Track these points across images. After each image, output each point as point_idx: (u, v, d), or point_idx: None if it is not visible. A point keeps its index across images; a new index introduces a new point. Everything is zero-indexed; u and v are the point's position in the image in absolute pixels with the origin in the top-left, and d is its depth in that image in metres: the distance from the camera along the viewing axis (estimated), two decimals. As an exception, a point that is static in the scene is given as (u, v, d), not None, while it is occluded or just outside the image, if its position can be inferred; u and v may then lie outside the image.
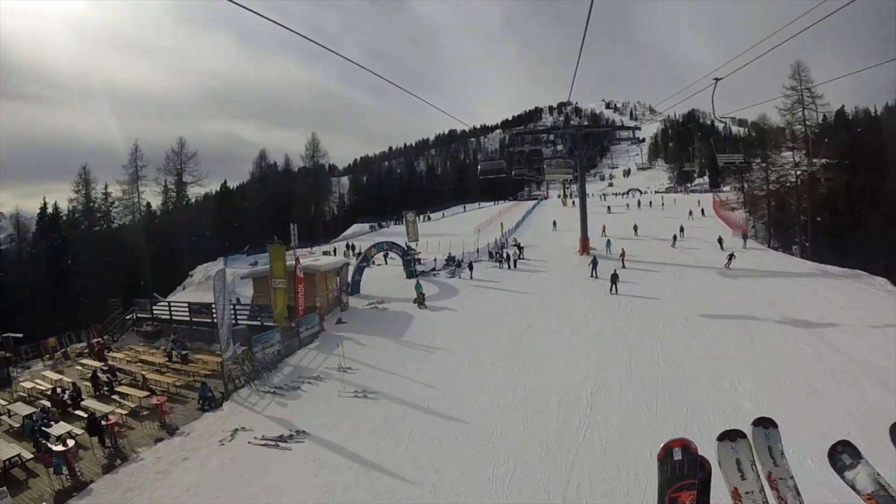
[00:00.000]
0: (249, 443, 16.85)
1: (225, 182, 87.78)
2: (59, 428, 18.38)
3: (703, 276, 32.69)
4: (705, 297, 27.78)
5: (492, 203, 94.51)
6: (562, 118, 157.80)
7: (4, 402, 22.33)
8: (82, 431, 18.06)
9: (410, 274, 38.27)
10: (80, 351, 31.14)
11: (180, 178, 68.81)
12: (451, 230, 64.04)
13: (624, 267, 35.11)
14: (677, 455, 3.08)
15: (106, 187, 66.50)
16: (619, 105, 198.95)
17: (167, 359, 27.37)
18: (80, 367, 28.15)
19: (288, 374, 22.90)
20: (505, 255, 40.83)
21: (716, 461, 3.13)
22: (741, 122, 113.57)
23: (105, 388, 23.24)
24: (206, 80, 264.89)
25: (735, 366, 18.62)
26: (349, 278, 35.62)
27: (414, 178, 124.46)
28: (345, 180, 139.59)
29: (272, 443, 16.60)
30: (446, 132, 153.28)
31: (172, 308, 33.38)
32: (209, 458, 16.33)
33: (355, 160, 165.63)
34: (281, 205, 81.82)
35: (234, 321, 27.26)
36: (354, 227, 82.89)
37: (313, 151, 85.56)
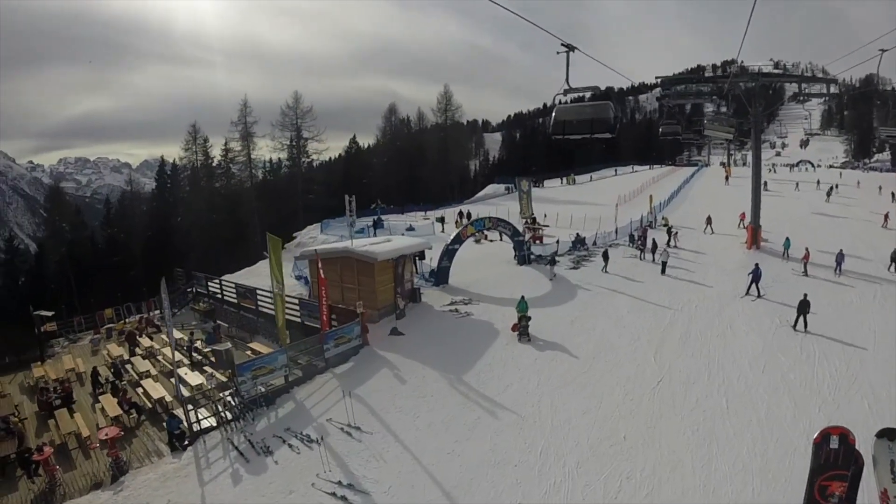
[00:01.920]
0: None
1: (354, 137, 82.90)
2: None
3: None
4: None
5: (646, 167, 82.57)
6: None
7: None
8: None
9: (522, 259, 29.70)
10: (129, 328, 26.98)
11: (298, 134, 64.48)
12: (593, 198, 53.73)
13: (806, 274, 24.79)
14: (834, 443, 3.55)
15: (226, 143, 63.27)
16: (789, 66, 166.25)
17: (187, 356, 21.89)
18: (105, 352, 23.81)
19: (279, 420, 15.82)
20: (649, 242, 30.70)
21: (870, 458, 2.80)
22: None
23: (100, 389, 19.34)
24: (359, 39, 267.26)
25: None
26: (423, 267, 28.02)
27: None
28: (497, 136, 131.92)
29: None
30: (602, 89, 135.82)
31: (224, 288, 28.08)
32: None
33: (508, 116, 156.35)
34: (410, 162, 75.99)
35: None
36: (489, 188, 74.49)
37: (445, 105, 77.74)
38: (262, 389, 16.67)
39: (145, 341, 24.68)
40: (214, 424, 15.55)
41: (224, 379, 18.49)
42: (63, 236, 58.12)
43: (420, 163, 75.73)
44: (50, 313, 26.59)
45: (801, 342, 17.94)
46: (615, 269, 27.67)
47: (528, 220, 40.41)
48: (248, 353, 21.17)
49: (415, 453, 13.28)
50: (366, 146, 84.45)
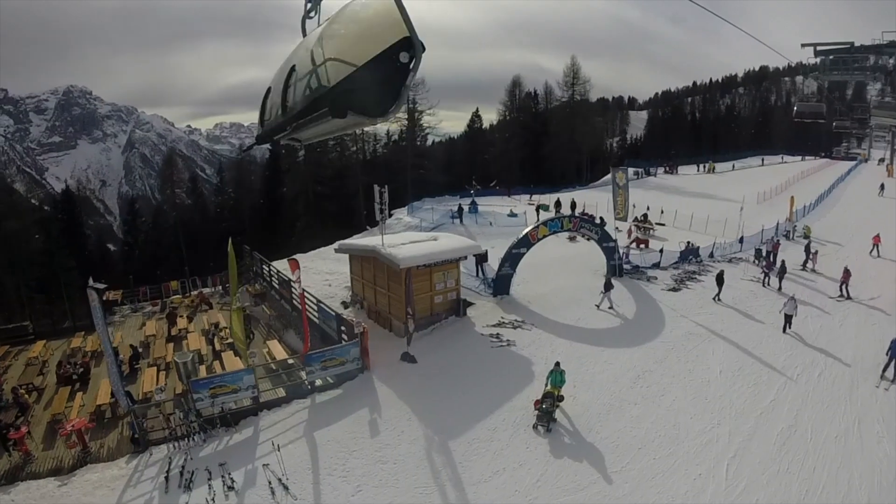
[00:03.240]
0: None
1: (476, 111, 77.32)
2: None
3: None
4: None
5: (798, 158, 71.38)
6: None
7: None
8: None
9: (613, 270, 24.28)
10: (186, 302, 26.49)
11: (408, 107, 61.72)
12: (729, 191, 45.99)
13: None
14: None
15: None
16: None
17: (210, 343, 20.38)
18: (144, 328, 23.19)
19: (226, 449, 13.64)
20: (779, 262, 24.46)
21: None
22: None
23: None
24: (504, 11, 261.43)
25: None
26: (489, 272, 24.14)
27: (707, 118, 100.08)
28: (644, 114, 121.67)
29: None
30: (756, 69, 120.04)
31: (276, 273, 26.25)
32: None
33: (656, 94, 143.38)
34: (535, 139, 71.13)
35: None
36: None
37: (573, 79, 70.80)
38: (221, 410, 14.59)
39: (182, 322, 23.45)
40: (165, 437, 13.93)
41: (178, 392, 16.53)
42: (175, 202, 60.11)
43: (544, 141, 70.55)
44: (103, 285, 26.55)
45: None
46: (729, 297, 22.02)
47: (640, 218, 35.00)
48: (266, 351, 19.16)
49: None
50: (491, 122, 79.89)
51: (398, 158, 62.53)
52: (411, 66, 2.86)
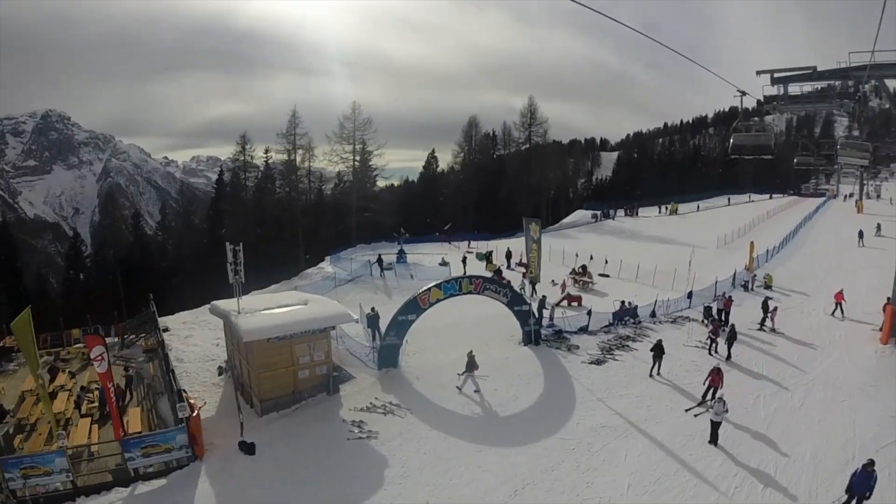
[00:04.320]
0: None
1: (433, 152, 73.80)
2: None
3: None
4: None
5: (766, 196, 68.52)
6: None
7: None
8: None
9: (528, 337, 20.20)
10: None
11: (356, 148, 57.93)
12: (688, 235, 42.24)
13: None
14: None
15: (266, 151, 57.54)
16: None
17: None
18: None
19: None
20: (729, 324, 20.29)
21: None
22: None
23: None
24: (483, 55, 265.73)
25: None
26: (381, 335, 19.54)
27: (674, 158, 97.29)
28: (614, 156, 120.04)
29: None
30: (726, 109, 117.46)
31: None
32: None
33: (628, 135, 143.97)
34: (490, 182, 67.45)
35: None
36: (577, 214, 63.80)
37: (530, 119, 67.69)
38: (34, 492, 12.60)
39: (62, 378, 19.07)
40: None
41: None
42: (118, 237, 56.47)
43: (502, 182, 66.84)
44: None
45: None
46: (666, 369, 17.68)
47: (577, 269, 30.65)
48: (126, 420, 15.35)
49: None
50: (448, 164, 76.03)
51: (345, 201, 58.50)
52: None
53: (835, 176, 71.38)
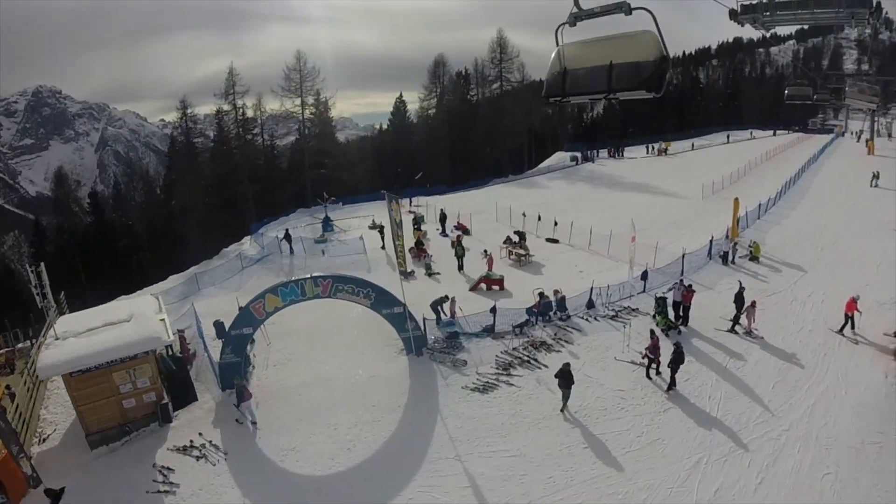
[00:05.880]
0: None
1: (400, 96, 65.78)
2: None
3: None
4: None
5: (769, 133, 61.13)
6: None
7: None
8: None
9: (410, 345, 15.24)
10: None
11: (308, 100, 51.50)
12: (673, 184, 36.03)
13: None
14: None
15: (218, 112, 51.93)
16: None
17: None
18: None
19: None
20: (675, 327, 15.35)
21: None
22: None
23: None
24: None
25: None
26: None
27: (669, 92, 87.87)
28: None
29: None
30: (730, 40, 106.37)
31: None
32: None
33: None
34: (463, 125, 60.80)
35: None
36: (555, 157, 57.10)
37: (500, 55, 60.16)
38: None
39: None
40: None
41: None
42: (71, 217, 51.90)
43: (473, 127, 60.04)
44: None
45: None
46: (581, 404, 12.42)
47: (512, 237, 24.45)
48: None
49: None
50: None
51: (298, 158, 52.59)
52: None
53: (843, 111, 63.52)
